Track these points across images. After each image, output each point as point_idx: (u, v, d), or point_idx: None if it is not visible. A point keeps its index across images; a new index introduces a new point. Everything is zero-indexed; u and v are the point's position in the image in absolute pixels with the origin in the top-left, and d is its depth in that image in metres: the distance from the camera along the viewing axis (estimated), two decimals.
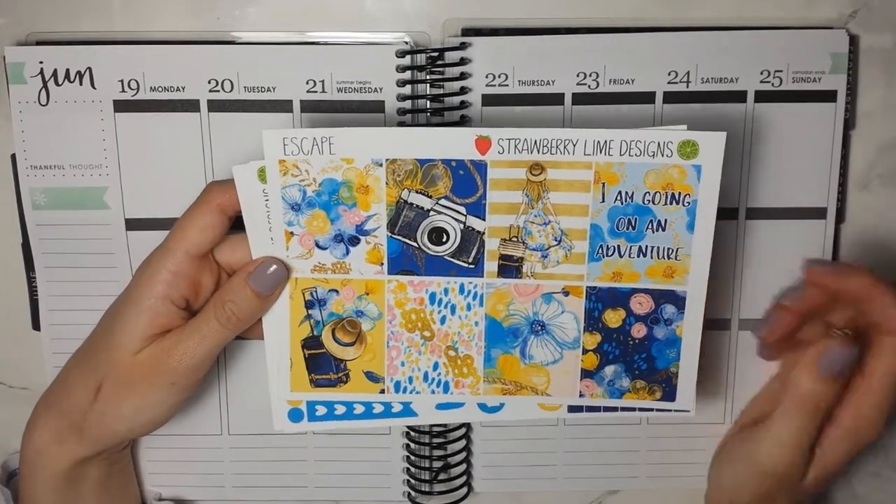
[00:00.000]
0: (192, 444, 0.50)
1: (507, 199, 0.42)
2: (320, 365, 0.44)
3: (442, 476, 0.50)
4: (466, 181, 0.42)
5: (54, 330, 0.49)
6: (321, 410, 0.45)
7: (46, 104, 0.46)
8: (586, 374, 0.44)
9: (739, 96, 0.47)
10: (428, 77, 0.46)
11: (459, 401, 0.45)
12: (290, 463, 0.51)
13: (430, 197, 0.42)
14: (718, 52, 0.46)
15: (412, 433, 0.50)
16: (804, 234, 0.48)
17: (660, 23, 0.47)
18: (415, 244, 0.43)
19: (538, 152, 0.41)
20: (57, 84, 0.46)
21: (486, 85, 0.46)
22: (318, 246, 0.43)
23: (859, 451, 0.44)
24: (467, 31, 0.47)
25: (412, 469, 0.50)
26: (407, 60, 0.46)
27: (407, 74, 0.46)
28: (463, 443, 0.50)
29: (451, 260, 0.43)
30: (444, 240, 0.42)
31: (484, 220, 0.42)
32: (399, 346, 0.44)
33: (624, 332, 0.44)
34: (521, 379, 0.45)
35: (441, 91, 0.46)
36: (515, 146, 0.41)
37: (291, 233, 0.42)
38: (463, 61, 0.46)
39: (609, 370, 0.44)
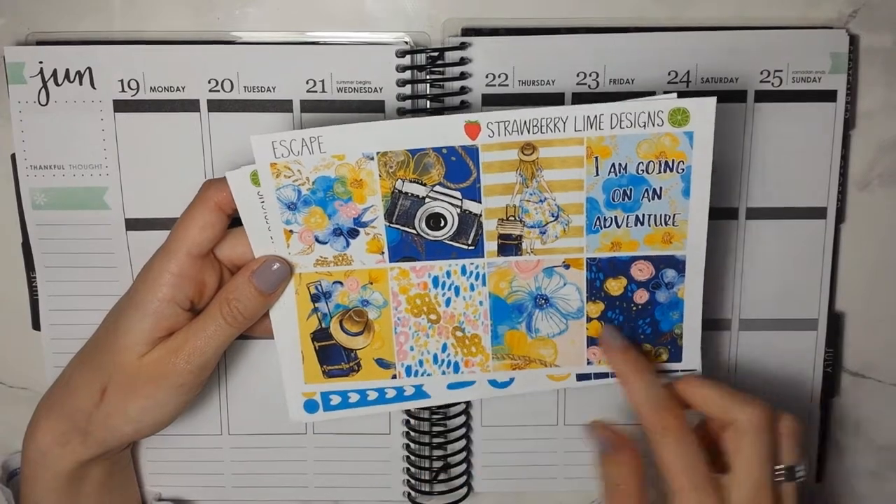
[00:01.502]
0: (192, 444, 0.50)
1: (501, 180, 0.42)
2: (331, 356, 0.45)
3: (442, 476, 0.50)
4: (459, 167, 0.42)
5: (54, 330, 0.49)
6: (335, 399, 0.46)
7: (46, 104, 0.46)
8: (592, 341, 0.45)
9: (739, 96, 0.47)
10: (428, 77, 0.46)
11: (470, 379, 0.46)
12: (290, 463, 0.51)
13: (425, 185, 0.42)
14: (718, 52, 0.46)
15: (412, 433, 0.50)
16: (804, 234, 0.48)
17: (660, 23, 0.47)
18: (413, 231, 0.43)
19: (528, 132, 0.41)
20: (57, 84, 0.46)
21: (486, 85, 0.46)
22: (318, 241, 0.43)
23: None
24: (467, 31, 0.47)
25: (412, 469, 0.50)
26: (407, 60, 0.46)
27: (407, 74, 0.46)
28: (463, 443, 0.50)
29: (451, 243, 0.43)
30: (441, 225, 0.43)
31: (480, 202, 0.43)
32: (407, 332, 0.45)
33: (626, 299, 0.44)
34: (529, 353, 0.45)
35: (441, 91, 0.46)
36: (505, 128, 0.41)
37: (290, 231, 0.43)
38: (463, 61, 0.46)
39: None
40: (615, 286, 0.44)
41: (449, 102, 0.46)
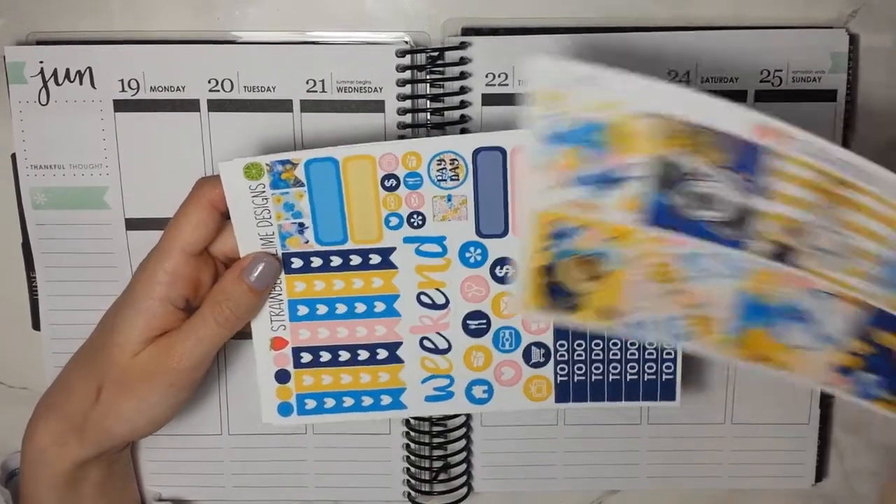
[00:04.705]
0: (192, 444, 0.50)
1: (790, 191, 0.38)
2: (556, 294, 0.41)
3: (442, 476, 0.50)
4: (745, 158, 0.38)
5: (54, 330, 0.49)
6: (310, 404, 0.45)
7: (46, 104, 0.46)
8: (842, 369, 0.42)
9: (739, 96, 0.47)
10: (428, 77, 0.46)
11: (450, 390, 0.45)
12: (290, 463, 0.51)
13: (699, 163, 0.38)
14: (718, 52, 0.46)
15: (412, 433, 0.50)
16: None
17: (660, 23, 0.47)
18: (678, 203, 0.39)
19: (836, 169, 0.37)
20: (57, 84, 0.46)
21: (486, 84, 0.46)
22: (572, 183, 0.39)
23: None
24: (467, 31, 0.47)
25: (412, 469, 0.50)
26: (407, 60, 0.46)
27: (407, 74, 0.46)
28: (463, 442, 0.50)
29: (714, 231, 0.39)
30: (711, 206, 0.38)
31: (761, 198, 0.38)
32: (640, 293, 0.41)
33: None
34: (766, 351, 0.41)
35: (441, 91, 0.46)
36: (807, 151, 0.37)
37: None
38: (463, 61, 0.46)
39: (865, 377, 0.42)
40: (894, 341, 0.40)
41: (449, 102, 0.46)
